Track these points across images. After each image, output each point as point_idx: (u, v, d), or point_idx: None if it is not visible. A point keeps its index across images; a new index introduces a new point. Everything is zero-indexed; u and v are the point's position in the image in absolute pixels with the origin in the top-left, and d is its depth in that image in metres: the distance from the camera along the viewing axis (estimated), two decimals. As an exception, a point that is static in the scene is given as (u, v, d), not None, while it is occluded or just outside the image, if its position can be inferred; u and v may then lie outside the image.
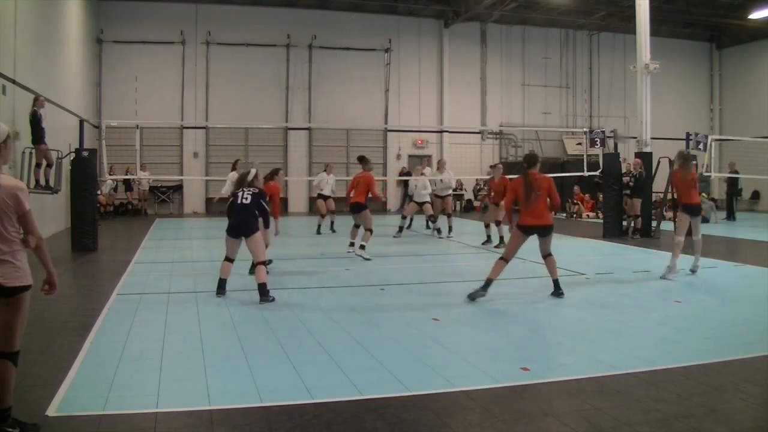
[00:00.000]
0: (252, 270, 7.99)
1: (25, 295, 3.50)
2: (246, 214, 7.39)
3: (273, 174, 9.73)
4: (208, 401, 4.05)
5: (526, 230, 7.54)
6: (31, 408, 3.80)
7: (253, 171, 7.82)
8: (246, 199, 7.45)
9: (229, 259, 7.53)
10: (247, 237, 7.34)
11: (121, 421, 3.73)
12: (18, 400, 3.63)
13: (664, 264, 9.03)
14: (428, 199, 14.28)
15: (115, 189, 20.42)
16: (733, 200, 20.37)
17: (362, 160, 11.33)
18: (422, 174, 15.07)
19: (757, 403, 4.17)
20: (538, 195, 7.53)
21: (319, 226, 14.91)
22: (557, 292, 7.49)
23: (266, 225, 7.88)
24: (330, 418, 3.79)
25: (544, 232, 7.61)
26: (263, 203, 7.55)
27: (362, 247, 10.58)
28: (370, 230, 10.72)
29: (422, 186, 14.33)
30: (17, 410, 3.55)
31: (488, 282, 7.29)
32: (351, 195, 11.03)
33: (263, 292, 7.14)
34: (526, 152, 25.00)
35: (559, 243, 13.02)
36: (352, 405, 4.01)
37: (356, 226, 11.19)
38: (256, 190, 7.60)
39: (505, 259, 7.47)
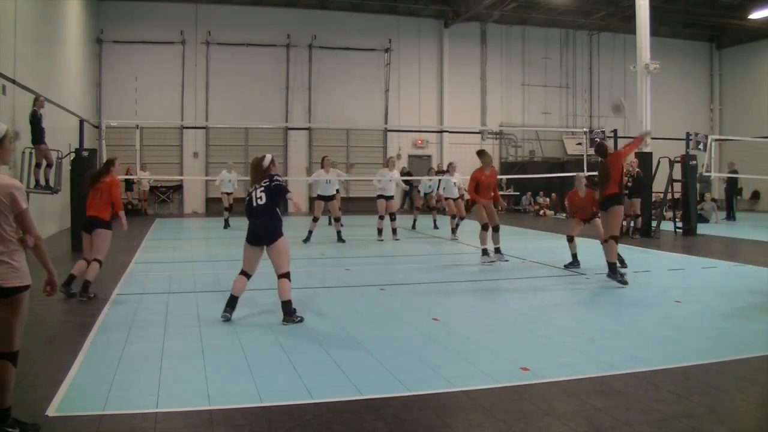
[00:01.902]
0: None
1: (24, 296, 3.49)
2: (266, 217, 6.16)
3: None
4: (208, 401, 4.05)
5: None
6: (31, 408, 3.80)
7: (268, 157, 6.52)
8: (260, 198, 6.19)
9: (245, 274, 6.28)
10: (269, 245, 6.13)
11: (121, 421, 3.73)
12: (18, 400, 3.63)
13: (664, 264, 9.03)
14: (393, 194, 13.86)
15: None
16: (733, 200, 20.38)
17: (480, 153, 10.74)
18: (394, 168, 14.28)
19: (757, 403, 4.17)
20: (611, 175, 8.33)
21: (310, 233, 12.96)
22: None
23: (282, 209, 6.56)
24: (330, 418, 3.79)
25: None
26: (279, 190, 6.27)
27: (497, 250, 10.25)
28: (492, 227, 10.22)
29: (388, 180, 13.70)
30: (17, 410, 3.55)
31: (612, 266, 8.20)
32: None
33: (288, 311, 6.07)
34: (528, 151, 25.17)
35: (559, 243, 13.04)
36: (352, 405, 4.01)
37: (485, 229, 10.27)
38: (267, 182, 6.27)
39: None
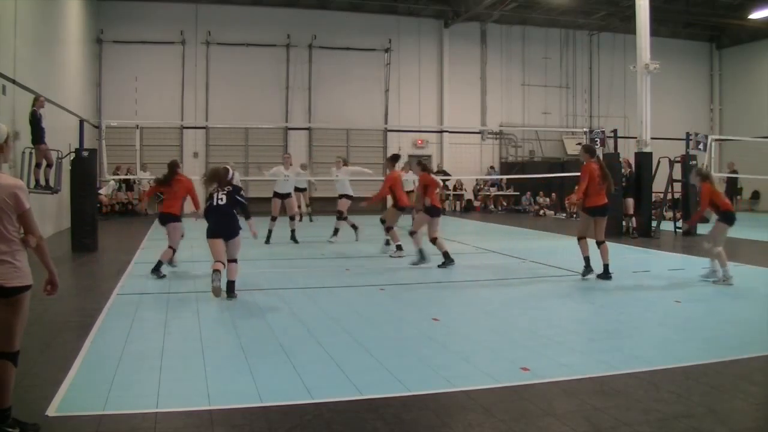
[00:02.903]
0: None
1: (25, 296, 3.49)
2: (228, 216, 7.34)
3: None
4: (208, 401, 4.05)
5: (593, 211, 8.69)
6: (31, 408, 3.80)
7: (232, 172, 7.75)
8: (221, 200, 7.35)
9: (220, 262, 7.27)
10: (230, 239, 7.27)
11: (121, 421, 3.73)
12: (18, 400, 3.63)
13: (664, 264, 9.04)
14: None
15: (120, 189, 20.38)
16: (732, 200, 20.36)
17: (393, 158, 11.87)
18: (344, 166, 13.81)
19: (757, 403, 4.17)
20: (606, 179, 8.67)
21: (270, 232, 12.59)
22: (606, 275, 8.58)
23: (247, 217, 7.59)
24: (330, 418, 3.79)
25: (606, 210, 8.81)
26: (240, 198, 7.45)
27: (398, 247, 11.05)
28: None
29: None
30: (17, 410, 3.55)
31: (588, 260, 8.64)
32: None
33: (233, 288, 7.25)
34: (528, 151, 25.19)
35: (559, 243, 13.05)
36: (352, 405, 4.01)
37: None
38: (230, 188, 7.47)
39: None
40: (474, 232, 16.51)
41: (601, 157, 15.16)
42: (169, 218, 8.90)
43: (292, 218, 12.93)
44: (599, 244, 8.60)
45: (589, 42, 26.16)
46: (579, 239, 8.76)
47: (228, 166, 7.82)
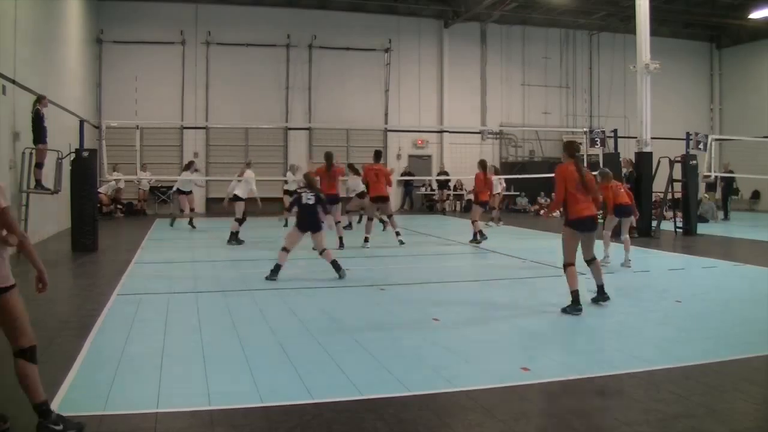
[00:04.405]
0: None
1: (10, 294, 3.42)
2: (314, 213, 8.71)
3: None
4: (209, 401, 4.05)
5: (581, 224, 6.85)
6: (32, 408, 3.79)
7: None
8: (310, 199, 8.69)
9: (285, 250, 8.57)
10: (315, 232, 8.67)
11: (121, 421, 3.73)
12: (18, 400, 3.63)
13: (664, 264, 9.04)
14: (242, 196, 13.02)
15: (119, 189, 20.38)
16: (727, 200, 20.36)
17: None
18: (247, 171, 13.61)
19: (757, 403, 4.17)
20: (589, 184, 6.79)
21: (233, 234, 12.59)
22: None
23: (326, 212, 9.06)
24: (330, 418, 3.79)
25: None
26: (322, 200, 8.87)
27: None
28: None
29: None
30: (17, 410, 3.55)
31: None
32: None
33: (338, 266, 8.64)
34: (528, 151, 25.18)
35: (558, 243, 13.04)
36: (352, 405, 4.01)
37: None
38: (315, 192, 8.85)
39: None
40: (467, 233, 16.46)
41: (601, 156, 15.38)
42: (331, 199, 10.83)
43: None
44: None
45: (589, 42, 26.16)
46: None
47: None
